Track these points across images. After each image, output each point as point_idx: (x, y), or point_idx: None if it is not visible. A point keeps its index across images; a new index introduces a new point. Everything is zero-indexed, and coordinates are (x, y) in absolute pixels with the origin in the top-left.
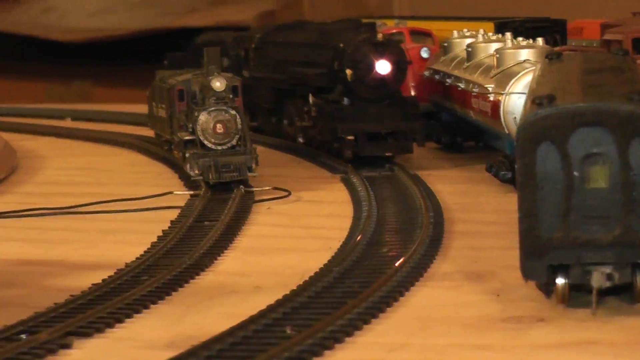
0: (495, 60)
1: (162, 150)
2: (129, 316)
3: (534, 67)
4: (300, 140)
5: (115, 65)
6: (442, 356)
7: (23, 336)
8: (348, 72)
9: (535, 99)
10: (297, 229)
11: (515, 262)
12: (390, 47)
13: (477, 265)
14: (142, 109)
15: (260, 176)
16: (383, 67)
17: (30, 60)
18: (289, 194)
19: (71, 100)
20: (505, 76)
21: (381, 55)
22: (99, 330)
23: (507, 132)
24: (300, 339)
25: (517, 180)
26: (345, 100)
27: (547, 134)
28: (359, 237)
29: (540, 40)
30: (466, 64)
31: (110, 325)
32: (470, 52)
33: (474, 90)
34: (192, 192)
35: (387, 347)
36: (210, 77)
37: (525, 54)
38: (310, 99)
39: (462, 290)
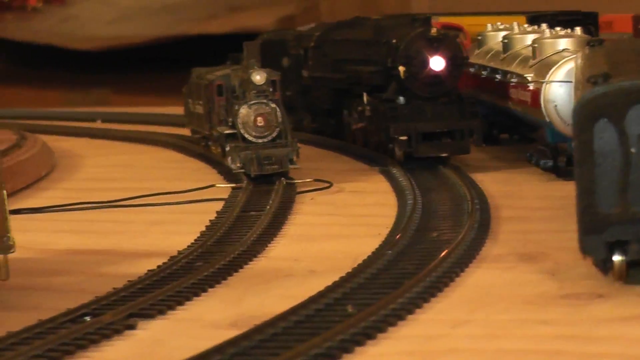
0: (533, 50)
1: (198, 147)
2: (189, 299)
3: (573, 56)
4: (357, 142)
5: (134, 73)
6: (506, 330)
7: (87, 318)
8: (401, 69)
9: (591, 78)
10: (343, 217)
11: (567, 244)
12: (446, 42)
13: (528, 247)
14: (167, 110)
15: (299, 169)
16: (437, 63)
17: (49, 69)
18: (331, 185)
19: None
20: (544, 65)
21: (435, 51)
22: (161, 312)
23: (547, 120)
24: (363, 315)
25: (574, 158)
26: (400, 99)
27: (604, 111)
28: (407, 223)
29: (578, 30)
30: (502, 56)
31: (171, 308)
32: (507, 43)
33: (513, 80)
34: (234, 185)
35: (450, 323)
36: (251, 71)
37: (564, 43)
38: (365, 98)
39: (517, 271)
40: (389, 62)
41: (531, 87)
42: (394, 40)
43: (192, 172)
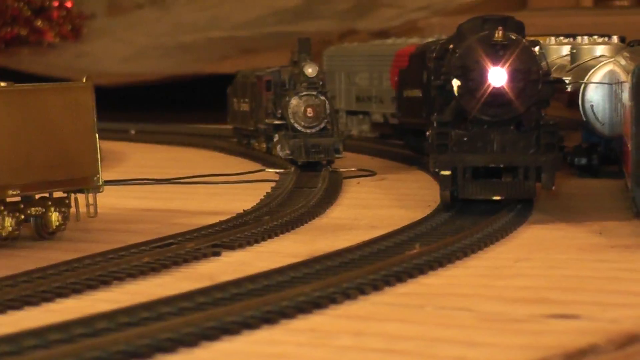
0: (572, 57)
1: (239, 146)
2: (264, 239)
3: (610, 60)
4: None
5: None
6: (565, 264)
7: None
8: (455, 83)
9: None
10: (391, 194)
11: (609, 214)
12: (515, 51)
13: (573, 216)
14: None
15: (343, 159)
16: (499, 76)
17: None
18: (374, 173)
19: None
20: (582, 69)
21: (497, 60)
22: (241, 246)
23: (584, 119)
24: (432, 248)
25: (631, 117)
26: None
27: None
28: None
29: (615, 38)
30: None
31: (250, 244)
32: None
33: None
34: (282, 171)
35: (512, 259)
36: (303, 64)
37: (601, 50)
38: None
39: (566, 230)
40: (443, 75)
41: (569, 89)
42: (451, 46)
43: (236, 165)
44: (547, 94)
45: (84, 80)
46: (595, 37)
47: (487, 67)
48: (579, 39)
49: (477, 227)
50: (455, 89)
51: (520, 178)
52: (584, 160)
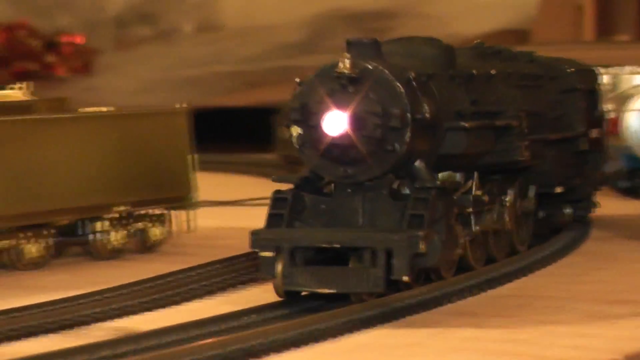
0: (613, 84)
1: (287, 172)
2: None
3: None
4: None
5: None
6: (636, 272)
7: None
8: (294, 131)
9: None
10: None
11: None
12: (364, 85)
13: (626, 232)
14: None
15: None
16: (335, 121)
17: None
18: None
19: None
20: (622, 97)
21: (342, 100)
22: None
23: (625, 144)
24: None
25: None
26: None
27: None
28: None
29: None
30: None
31: None
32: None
33: None
34: None
35: (588, 268)
36: None
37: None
38: None
39: (627, 245)
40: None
41: (612, 115)
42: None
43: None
44: (432, 143)
45: (180, 106)
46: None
47: (324, 110)
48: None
49: (547, 243)
50: (294, 137)
51: (366, 264)
52: (627, 183)
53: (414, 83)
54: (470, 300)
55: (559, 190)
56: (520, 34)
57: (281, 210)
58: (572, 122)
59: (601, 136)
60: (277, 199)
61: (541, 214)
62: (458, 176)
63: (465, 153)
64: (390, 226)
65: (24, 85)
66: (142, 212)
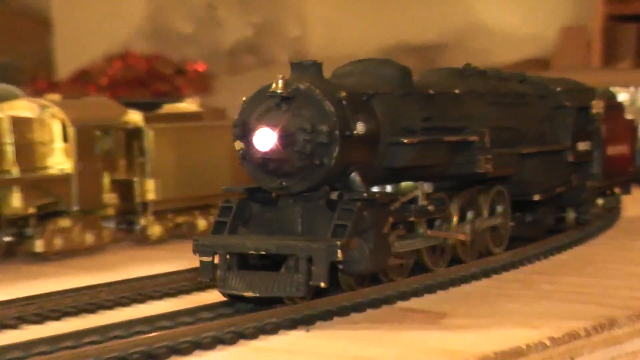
0: (631, 100)
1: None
2: None
3: None
4: None
5: None
6: None
7: None
8: (237, 145)
9: None
10: None
11: None
12: (296, 103)
13: None
14: None
15: None
16: (265, 137)
17: None
18: None
19: None
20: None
21: (274, 117)
22: None
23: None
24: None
25: None
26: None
27: None
28: None
29: None
30: None
31: None
32: None
33: None
34: None
35: (627, 239)
36: None
37: None
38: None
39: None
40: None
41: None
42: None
43: None
44: (371, 156)
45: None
46: None
47: (257, 126)
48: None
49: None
50: (239, 152)
51: (291, 270)
52: None
53: (344, 102)
54: (417, 300)
55: (537, 198)
56: (543, 62)
57: (225, 218)
58: (559, 137)
59: (591, 149)
60: (223, 207)
61: (529, 218)
62: (426, 186)
63: (411, 166)
64: (324, 235)
65: (195, 98)
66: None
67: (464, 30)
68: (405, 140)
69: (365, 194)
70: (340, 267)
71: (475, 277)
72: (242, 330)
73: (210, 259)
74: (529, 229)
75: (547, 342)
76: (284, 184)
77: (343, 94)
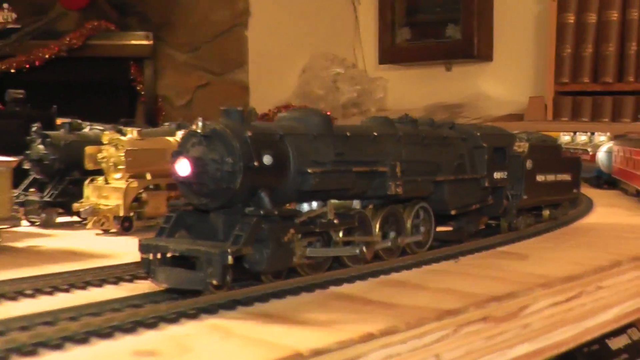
0: (589, 139)
1: None
2: None
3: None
4: None
5: None
6: None
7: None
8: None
9: None
10: None
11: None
12: (210, 140)
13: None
14: None
15: None
16: (182, 165)
17: None
18: None
19: None
20: (596, 145)
21: (191, 150)
22: None
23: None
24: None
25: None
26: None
27: None
28: None
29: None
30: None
31: None
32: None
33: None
34: None
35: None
36: None
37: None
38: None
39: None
40: None
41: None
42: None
43: None
44: (279, 181)
45: None
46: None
47: (179, 157)
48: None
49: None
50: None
51: (198, 268)
52: (595, 183)
53: (249, 140)
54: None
55: (453, 212)
56: (518, 116)
57: (166, 225)
58: (477, 168)
59: (506, 177)
60: (167, 216)
61: (455, 226)
62: (354, 203)
63: (318, 190)
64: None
65: None
66: None
67: (473, 95)
68: (309, 170)
69: (262, 211)
70: (247, 266)
71: (359, 278)
72: (163, 315)
73: (147, 256)
74: (454, 234)
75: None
76: (203, 201)
77: (249, 133)
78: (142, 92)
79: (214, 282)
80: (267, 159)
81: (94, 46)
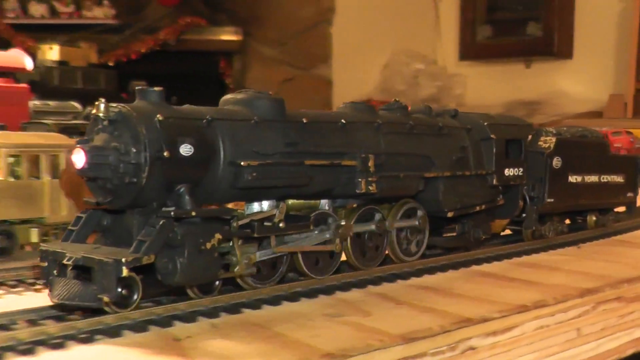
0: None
1: None
2: None
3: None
4: None
5: None
6: None
7: None
8: None
9: None
10: None
11: None
12: (116, 125)
13: None
14: None
15: None
16: (78, 156)
17: None
18: None
19: None
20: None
21: (84, 140)
22: None
23: None
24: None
25: None
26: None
27: None
28: None
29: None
30: None
31: None
32: None
33: None
34: None
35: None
36: None
37: None
38: None
39: None
40: None
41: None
42: None
43: None
44: (203, 175)
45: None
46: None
47: (76, 146)
48: None
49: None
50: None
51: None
52: None
53: (159, 126)
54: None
55: (450, 215)
56: (597, 114)
57: (74, 227)
58: (483, 163)
59: (520, 174)
60: (77, 217)
61: (459, 230)
62: (322, 203)
63: (256, 187)
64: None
65: None
66: None
67: (551, 92)
68: (243, 163)
69: (172, 212)
70: (159, 277)
71: (305, 294)
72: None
73: (45, 264)
74: (457, 240)
75: None
76: (108, 198)
77: (159, 117)
78: (231, 85)
79: (105, 298)
80: (185, 149)
81: (186, 41)
